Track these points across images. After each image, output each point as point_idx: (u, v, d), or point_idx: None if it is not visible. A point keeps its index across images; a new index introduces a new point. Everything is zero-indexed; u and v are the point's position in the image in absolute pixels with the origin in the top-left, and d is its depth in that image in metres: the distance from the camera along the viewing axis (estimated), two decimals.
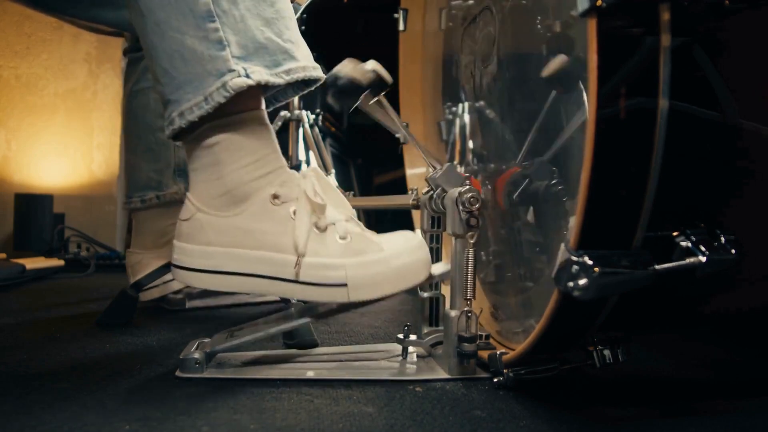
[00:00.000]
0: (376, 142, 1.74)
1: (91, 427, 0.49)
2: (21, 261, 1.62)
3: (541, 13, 0.64)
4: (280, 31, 0.65)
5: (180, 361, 0.65)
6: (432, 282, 0.69)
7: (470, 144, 0.88)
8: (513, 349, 0.62)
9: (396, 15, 1.15)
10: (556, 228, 0.63)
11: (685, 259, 0.48)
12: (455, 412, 0.54)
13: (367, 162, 1.77)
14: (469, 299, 0.64)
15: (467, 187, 0.64)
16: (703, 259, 0.48)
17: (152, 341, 0.83)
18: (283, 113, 1.64)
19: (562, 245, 0.48)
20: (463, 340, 0.63)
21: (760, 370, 0.74)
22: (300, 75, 0.66)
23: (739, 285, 0.58)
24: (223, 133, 0.65)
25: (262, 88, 0.66)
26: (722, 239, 0.49)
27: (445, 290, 0.71)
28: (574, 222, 0.48)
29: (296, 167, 1.64)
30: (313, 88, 0.71)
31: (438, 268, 0.68)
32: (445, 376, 0.65)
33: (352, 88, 0.74)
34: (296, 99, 1.62)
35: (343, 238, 0.65)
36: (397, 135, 0.80)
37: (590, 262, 0.46)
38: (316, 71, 0.68)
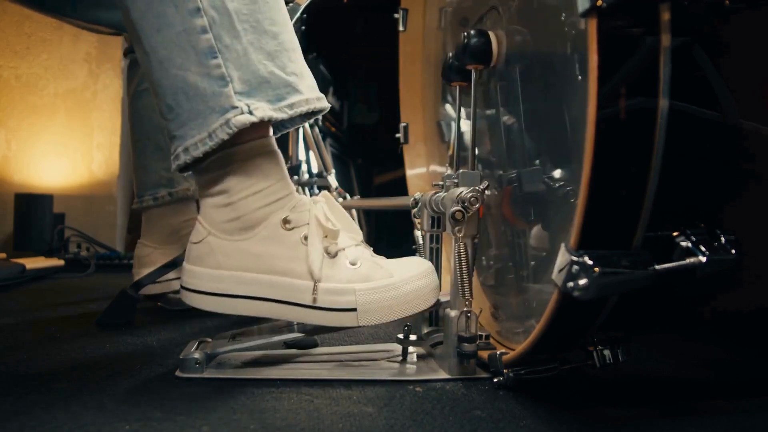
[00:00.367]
0: (376, 142, 1.74)
1: (90, 427, 0.49)
2: (21, 261, 1.62)
3: (549, 13, 0.64)
4: (284, 64, 0.65)
5: (180, 361, 0.66)
6: (440, 308, 0.69)
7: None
8: (513, 349, 0.62)
9: (396, 15, 1.15)
10: (558, 229, 0.62)
11: (685, 259, 0.49)
12: (455, 412, 0.54)
13: (367, 162, 1.77)
14: (468, 299, 0.64)
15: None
16: (703, 259, 0.48)
17: (152, 341, 0.83)
18: None
19: (563, 245, 0.48)
20: (463, 340, 0.63)
21: (760, 370, 0.74)
22: (303, 109, 0.66)
23: (739, 285, 0.58)
24: (230, 164, 0.65)
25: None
26: (722, 239, 0.49)
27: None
28: (574, 222, 0.48)
29: (296, 167, 1.64)
30: (319, 116, 0.72)
31: (447, 295, 0.69)
32: (445, 376, 0.65)
33: None
34: None
35: (353, 263, 0.65)
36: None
37: (590, 262, 0.46)
38: (320, 102, 0.68)
